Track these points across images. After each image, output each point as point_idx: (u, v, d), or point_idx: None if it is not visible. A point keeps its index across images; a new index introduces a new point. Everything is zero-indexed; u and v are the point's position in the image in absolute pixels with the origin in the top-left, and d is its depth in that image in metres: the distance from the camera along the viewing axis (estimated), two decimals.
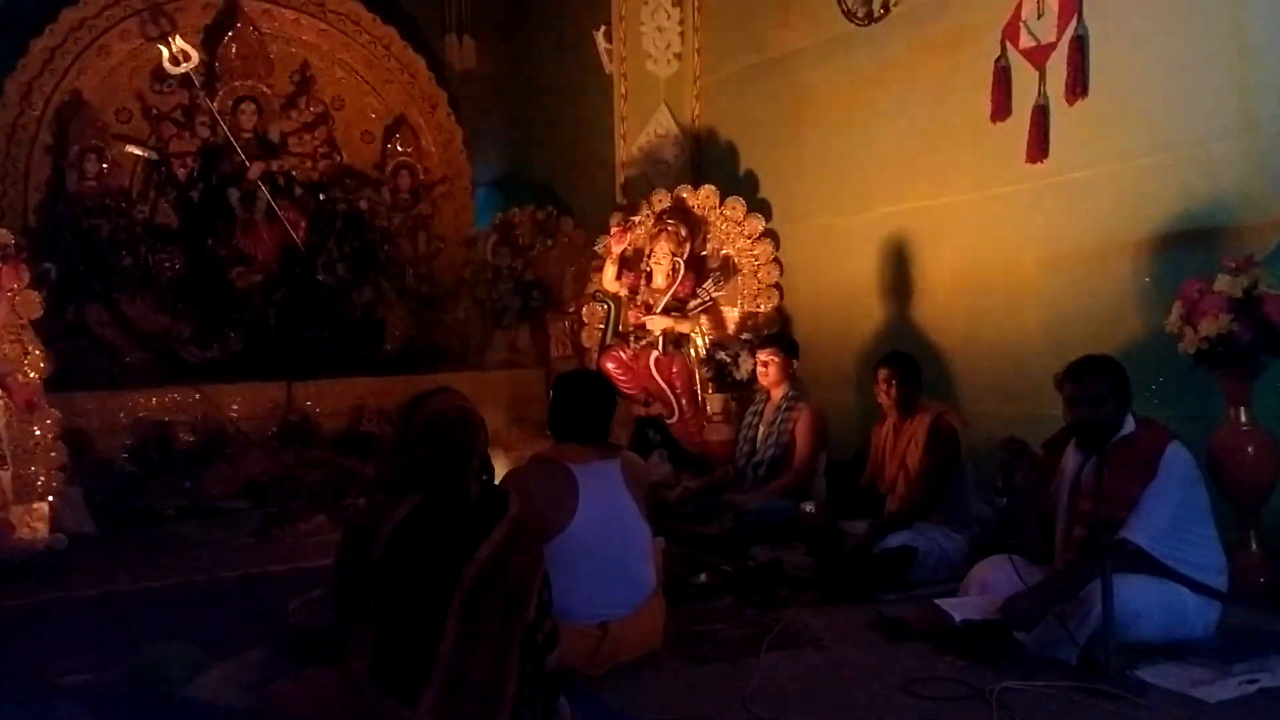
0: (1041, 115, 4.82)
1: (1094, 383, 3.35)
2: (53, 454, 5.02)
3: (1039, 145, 4.84)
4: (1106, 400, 3.34)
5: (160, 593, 4.32)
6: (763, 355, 5.26)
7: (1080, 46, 4.66)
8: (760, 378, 5.30)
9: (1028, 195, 4.97)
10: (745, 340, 5.97)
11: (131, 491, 5.73)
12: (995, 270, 5.17)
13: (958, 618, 3.35)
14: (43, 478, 4.96)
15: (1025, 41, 4.90)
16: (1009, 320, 5.07)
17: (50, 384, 5.08)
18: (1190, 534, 3.26)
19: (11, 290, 4.86)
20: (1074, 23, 4.68)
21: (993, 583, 3.47)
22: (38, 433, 4.98)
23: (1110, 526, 3.24)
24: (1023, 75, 4.93)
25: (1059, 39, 4.75)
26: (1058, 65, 4.75)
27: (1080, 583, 3.16)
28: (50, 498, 4.96)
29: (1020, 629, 3.20)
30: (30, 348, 4.98)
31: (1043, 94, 4.82)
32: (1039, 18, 4.83)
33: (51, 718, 2.90)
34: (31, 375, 4.95)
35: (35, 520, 4.86)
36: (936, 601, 3.50)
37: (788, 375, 5.20)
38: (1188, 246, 4.30)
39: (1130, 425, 3.36)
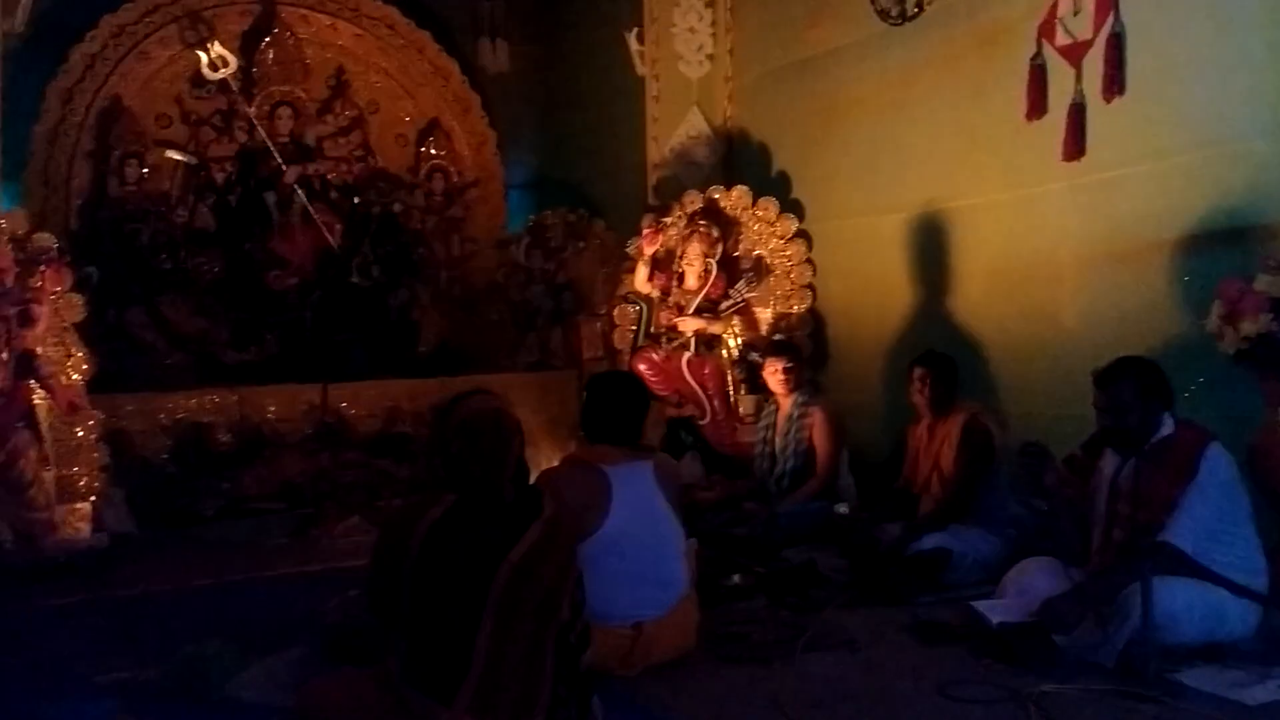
0: (1078, 113, 4.78)
1: (1118, 391, 3.32)
2: (95, 454, 5.10)
3: (1075, 143, 4.79)
4: (1131, 409, 3.30)
5: (199, 592, 4.38)
6: (774, 364, 5.23)
7: (1117, 44, 4.61)
8: (773, 386, 5.27)
9: (1064, 194, 4.93)
10: (773, 341, 5.96)
11: (171, 492, 5.81)
12: (1031, 270, 5.12)
13: (994, 620, 3.33)
14: (85, 478, 5.05)
15: (1061, 39, 4.86)
16: (1045, 320, 5.02)
17: (92, 385, 5.16)
18: (1230, 536, 3.22)
19: (54, 293, 4.95)
20: (1111, 20, 4.63)
21: (1030, 585, 3.44)
22: (80, 433, 5.07)
23: (1149, 529, 3.20)
24: (1058, 73, 4.88)
25: (1096, 36, 4.70)
26: (1094, 63, 4.70)
27: (1119, 585, 3.13)
28: (92, 498, 5.05)
29: (1058, 632, 3.18)
30: (73, 350, 5.07)
31: (1079, 92, 4.77)
32: (1075, 15, 4.79)
33: (93, 715, 2.94)
34: (74, 377, 5.04)
35: (78, 520, 4.95)
36: (973, 604, 3.48)
37: (800, 382, 5.19)
38: (1226, 245, 4.24)
39: (1169, 426, 3.32)
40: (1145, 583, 3.01)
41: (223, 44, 7.23)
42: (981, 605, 3.45)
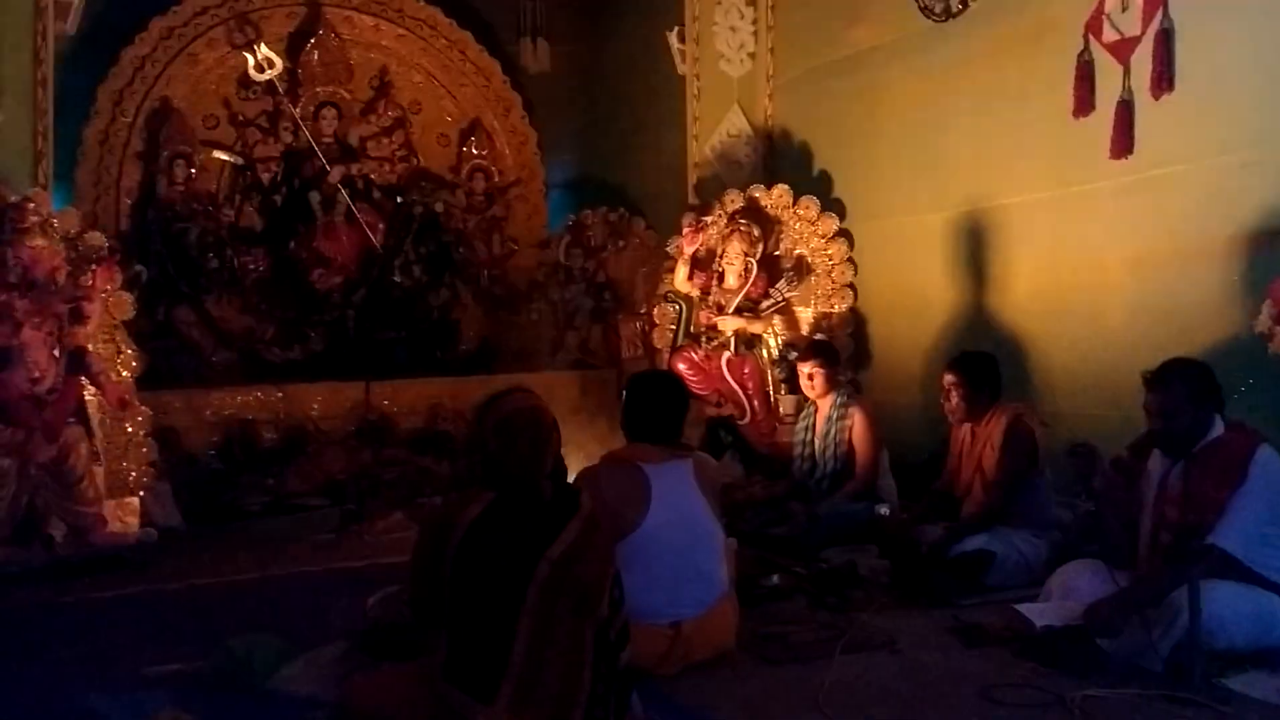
0: (1126, 111, 4.70)
1: (1168, 395, 3.27)
2: (144, 450, 5.19)
3: (1123, 141, 4.72)
4: (1180, 412, 3.25)
5: (244, 586, 4.45)
6: (806, 368, 5.19)
7: (1166, 40, 4.53)
8: (806, 390, 5.24)
9: (1111, 193, 4.86)
10: (810, 342, 5.92)
11: (217, 487, 5.90)
12: (1077, 269, 5.05)
13: (1038, 624, 3.29)
14: (134, 473, 5.14)
15: (1109, 35, 4.78)
16: (1091, 321, 4.95)
17: (140, 382, 5.26)
18: None
19: (105, 292, 5.04)
20: (1159, 16, 4.55)
21: (1075, 588, 3.40)
22: (129, 429, 5.17)
23: (1197, 532, 3.15)
24: (1106, 70, 4.81)
25: (1144, 32, 4.63)
26: (1143, 59, 4.62)
27: (1166, 589, 3.08)
28: (141, 492, 5.14)
29: (1103, 637, 3.14)
30: (123, 347, 5.17)
31: (1127, 89, 4.70)
32: (1123, 11, 4.71)
33: (140, 706, 2.98)
34: (124, 374, 5.13)
35: (127, 514, 5.03)
36: (1016, 607, 3.44)
37: (835, 383, 5.15)
38: (1276, 245, 4.16)
39: (1218, 429, 3.27)
40: (1193, 587, 2.96)
41: (269, 46, 7.33)
42: (1025, 608, 3.41)
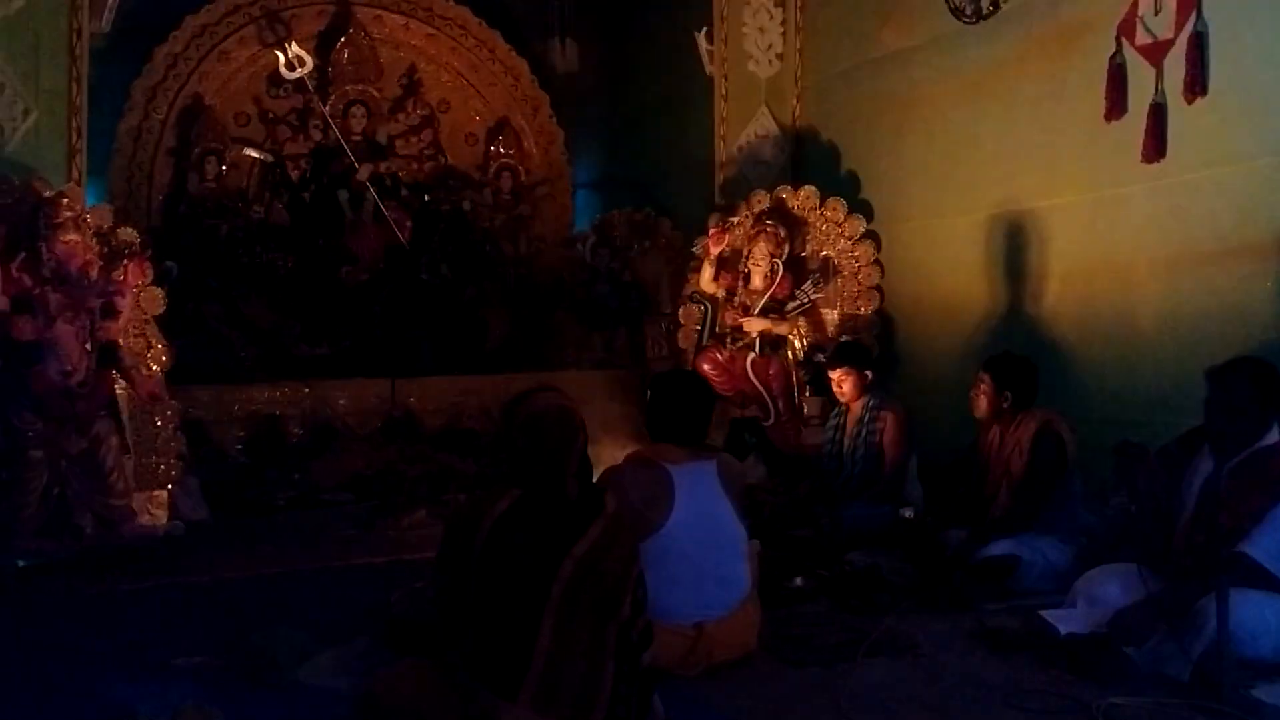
0: (1158, 114, 4.66)
1: (1233, 392, 3.19)
2: (172, 444, 5.25)
3: (1155, 145, 4.67)
4: (1244, 411, 3.18)
5: (270, 580, 4.47)
6: (836, 374, 5.16)
7: (1199, 43, 4.48)
8: (837, 395, 5.22)
9: (1143, 196, 4.81)
10: (838, 344, 5.89)
11: (244, 482, 5.95)
12: (1108, 274, 5.01)
13: (1063, 630, 3.27)
14: (163, 466, 5.20)
15: (1142, 38, 4.74)
16: (1122, 326, 4.91)
17: (170, 377, 5.31)
18: None
19: (137, 287, 5.10)
20: (1193, 18, 4.51)
21: (1102, 595, 3.36)
22: (159, 423, 5.22)
23: (1231, 536, 3.11)
24: (1138, 73, 4.77)
25: (1177, 35, 4.58)
26: (1176, 62, 4.58)
27: (1194, 597, 3.04)
28: (169, 486, 5.20)
29: (1129, 645, 3.10)
30: (153, 342, 5.23)
31: (1160, 92, 4.65)
32: (1156, 14, 4.67)
33: (167, 698, 3.01)
34: (154, 368, 5.19)
35: (155, 507, 5.09)
36: (1041, 613, 3.42)
37: (865, 387, 5.12)
38: None
39: (1274, 436, 3.21)
40: (1222, 595, 2.93)
41: (299, 44, 7.39)
42: (1050, 614, 3.39)
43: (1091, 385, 5.04)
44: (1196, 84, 4.49)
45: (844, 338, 6.00)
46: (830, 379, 5.24)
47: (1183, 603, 3.08)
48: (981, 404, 4.36)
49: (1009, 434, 4.32)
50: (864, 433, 5.03)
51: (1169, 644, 3.06)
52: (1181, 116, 4.59)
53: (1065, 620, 3.33)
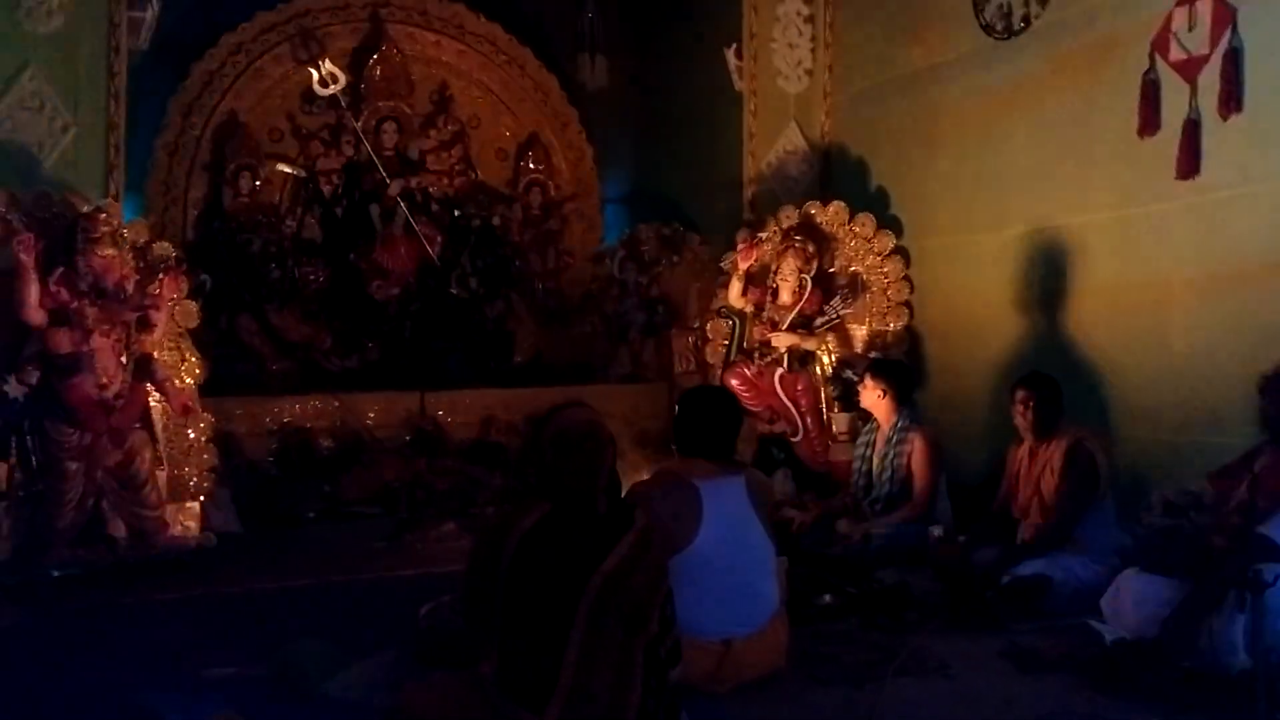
0: (1193, 130, 4.62)
1: None
2: (205, 456, 5.29)
3: (1190, 161, 4.63)
4: None
5: (300, 592, 4.50)
6: (873, 386, 5.10)
7: (1235, 59, 4.45)
8: (869, 408, 5.17)
9: (1177, 213, 4.77)
10: (870, 360, 5.86)
11: (274, 494, 5.98)
12: (1140, 291, 4.96)
13: (1109, 638, 3.22)
14: (195, 478, 5.24)
15: (1176, 54, 4.70)
16: (1155, 344, 4.86)
17: (203, 389, 5.35)
18: None
19: (172, 300, 5.15)
20: (1228, 35, 4.47)
21: (1144, 595, 3.32)
22: (192, 435, 5.26)
23: (1261, 519, 3.10)
24: (1172, 89, 4.73)
25: (1212, 51, 4.55)
26: (1210, 79, 4.54)
27: (1224, 583, 3.01)
28: (201, 498, 5.24)
29: (1180, 653, 3.06)
30: (187, 354, 5.27)
31: (1194, 108, 4.61)
32: (1190, 29, 4.64)
33: (197, 708, 3.03)
34: (188, 381, 5.24)
35: (187, 519, 5.14)
36: (1090, 621, 3.37)
37: (900, 404, 5.07)
38: None
39: None
40: (1255, 589, 2.88)
41: (333, 61, 7.46)
42: (1097, 623, 3.35)
43: (1123, 404, 4.98)
44: (1232, 100, 4.46)
45: (873, 355, 5.98)
46: (866, 387, 5.18)
47: (1214, 594, 3.05)
48: (1033, 421, 4.30)
49: (1040, 452, 4.28)
50: (891, 453, 4.98)
51: (1224, 633, 3.02)
52: (1216, 133, 4.56)
53: (1109, 631, 3.29)
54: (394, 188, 7.44)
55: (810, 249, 6.15)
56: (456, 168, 8.03)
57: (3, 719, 3.10)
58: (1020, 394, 4.34)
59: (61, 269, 4.74)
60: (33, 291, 4.61)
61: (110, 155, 5.52)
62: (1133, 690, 3.03)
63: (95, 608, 4.20)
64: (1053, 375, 4.46)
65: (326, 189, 7.64)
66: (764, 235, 6.35)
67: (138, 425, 4.92)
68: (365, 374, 7.11)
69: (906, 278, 6.23)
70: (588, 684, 2.41)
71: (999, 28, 5.74)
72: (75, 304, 4.73)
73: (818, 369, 6.08)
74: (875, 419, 5.14)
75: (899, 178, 6.52)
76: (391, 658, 3.37)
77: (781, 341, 6.04)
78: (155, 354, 5.03)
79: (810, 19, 7.08)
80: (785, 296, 6.12)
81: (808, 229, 6.30)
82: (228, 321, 6.97)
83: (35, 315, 4.64)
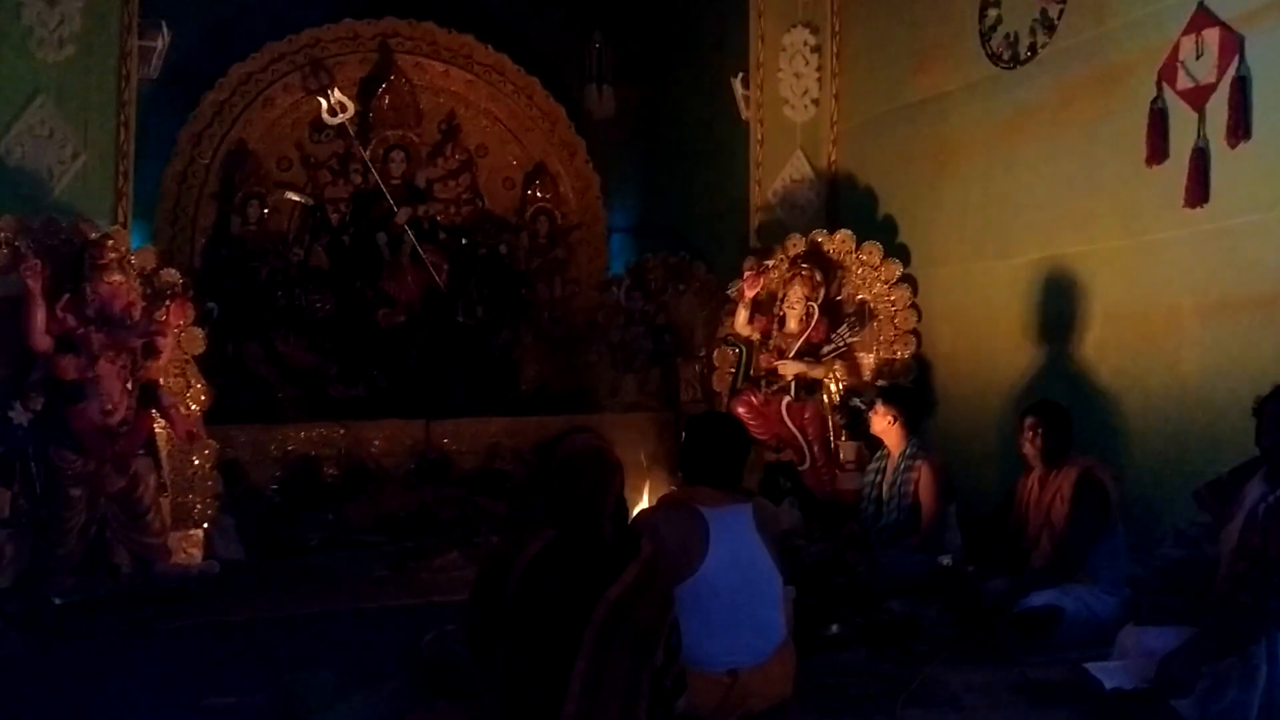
0: (1201, 158, 4.62)
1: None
2: (209, 483, 5.28)
3: (1198, 189, 4.63)
4: None
5: (303, 620, 4.47)
6: (884, 412, 5.06)
7: (1242, 87, 4.45)
8: (879, 434, 5.14)
9: (1185, 241, 4.75)
10: (881, 387, 5.83)
11: (279, 521, 5.96)
12: (1150, 319, 4.94)
13: (1108, 685, 3.17)
14: (199, 505, 5.22)
15: (1183, 82, 4.71)
16: (1164, 372, 4.83)
17: (208, 416, 5.35)
18: None
19: (178, 327, 5.15)
20: (1235, 63, 4.48)
21: (1148, 645, 3.26)
22: (196, 462, 5.26)
23: (1275, 566, 3.02)
24: (1180, 117, 4.73)
25: (1219, 80, 4.55)
26: (1218, 107, 4.55)
27: (1244, 637, 2.93)
28: (205, 525, 5.22)
29: (1176, 696, 3.00)
30: (193, 381, 5.27)
31: (1202, 136, 4.61)
32: (1198, 58, 4.64)
33: None
34: (193, 407, 5.23)
35: (191, 546, 5.12)
36: (1086, 665, 3.32)
37: (909, 431, 5.04)
38: None
39: None
40: (1271, 637, 2.82)
41: (342, 90, 7.51)
42: (1095, 667, 3.29)
43: (1133, 433, 4.95)
44: (1239, 128, 4.45)
45: (880, 382, 5.95)
46: (876, 413, 5.14)
47: (1231, 642, 2.96)
48: (1041, 449, 4.26)
49: (1049, 481, 4.23)
50: (899, 481, 4.95)
51: (1231, 691, 2.94)
52: (1224, 161, 4.56)
53: (1110, 674, 3.23)
54: (401, 216, 7.47)
55: (817, 277, 6.15)
56: (464, 196, 8.05)
57: None
58: (1029, 422, 4.30)
59: (68, 295, 4.75)
60: (39, 317, 4.62)
61: (119, 183, 5.56)
62: None
63: (97, 634, 4.17)
64: (1061, 404, 4.42)
65: (334, 217, 7.67)
66: (771, 263, 6.36)
67: (142, 452, 4.91)
68: (371, 402, 7.10)
69: (914, 306, 6.22)
70: (592, 714, 2.37)
71: (1006, 57, 5.76)
72: (81, 330, 4.74)
73: (825, 397, 6.05)
74: (886, 446, 5.11)
75: (906, 206, 6.52)
76: (394, 687, 3.33)
77: (788, 370, 6.03)
78: (161, 381, 5.03)
79: (817, 49, 7.12)
80: (792, 325, 6.11)
81: (815, 257, 6.30)
82: (234, 349, 6.97)
83: (41, 341, 4.65)
